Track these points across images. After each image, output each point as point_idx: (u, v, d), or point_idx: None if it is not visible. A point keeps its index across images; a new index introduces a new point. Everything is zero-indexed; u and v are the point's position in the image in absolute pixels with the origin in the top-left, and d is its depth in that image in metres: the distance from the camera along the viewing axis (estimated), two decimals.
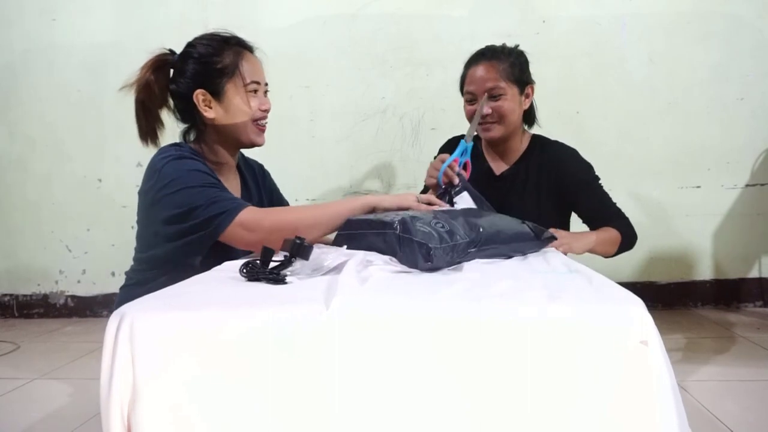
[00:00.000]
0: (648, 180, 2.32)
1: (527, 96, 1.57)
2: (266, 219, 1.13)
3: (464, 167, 1.44)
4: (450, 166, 1.37)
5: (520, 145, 1.61)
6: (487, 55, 1.54)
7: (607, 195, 1.58)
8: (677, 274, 2.35)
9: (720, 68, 2.27)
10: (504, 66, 1.51)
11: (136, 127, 1.31)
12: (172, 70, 1.30)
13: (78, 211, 2.53)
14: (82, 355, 1.97)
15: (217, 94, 1.26)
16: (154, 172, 1.21)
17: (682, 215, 2.32)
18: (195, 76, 1.26)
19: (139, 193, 1.27)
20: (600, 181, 1.59)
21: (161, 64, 1.29)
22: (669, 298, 2.34)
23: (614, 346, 0.63)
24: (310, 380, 0.65)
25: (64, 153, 2.52)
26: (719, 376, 1.56)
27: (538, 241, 1.07)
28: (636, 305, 0.65)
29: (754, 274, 2.33)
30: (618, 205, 1.60)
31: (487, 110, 1.52)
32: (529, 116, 1.63)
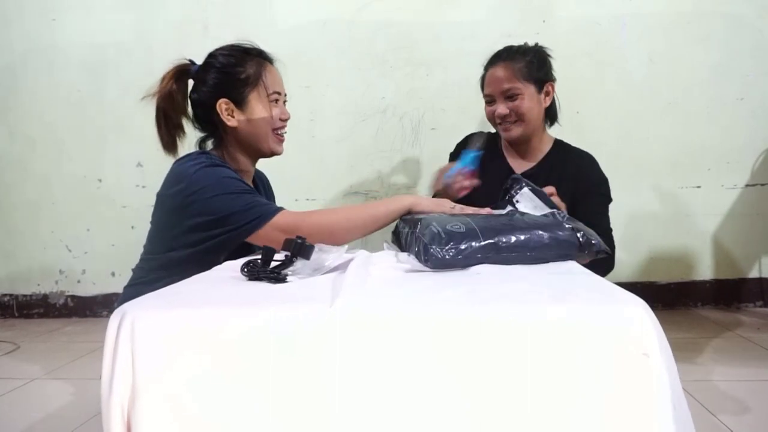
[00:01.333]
0: (648, 180, 2.32)
1: (547, 93, 1.56)
2: (304, 222, 1.16)
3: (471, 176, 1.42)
4: (459, 175, 1.36)
5: (542, 145, 1.60)
6: (503, 56, 1.54)
7: (606, 216, 1.55)
8: (677, 274, 2.35)
9: (720, 68, 2.27)
10: (520, 65, 1.51)
11: (158, 136, 1.32)
12: (191, 80, 1.32)
13: (78, 211, 2.53)
14: (82, 355, 1.97)
15: (239, 103, 1.29)
16: (183, 176, 1.20)
17: (682, 215, 2.32)
18: (218, 85, 1.28)
19: (160, 195, 1.26)
20: (608, 202, 1.56)
21: (182, 73, 1.31)
22: (669, 298, 2.34)
23: (615, 347, 0.63)
24: (311, 380, 0.65)
25: (64, 153, 2.52)
26: (719, 376, 1.56)
27: (581, 253, 0.97)
28: (637, 306, 0.65)
29: (754, 274, 2.33)
30: (613, 229, 1.55)
31: (504, 110, 1.51)
32: (551, 114, 1.61)
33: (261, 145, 1.33)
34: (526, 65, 1.51)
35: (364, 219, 1.19)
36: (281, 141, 1.36)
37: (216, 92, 1.28)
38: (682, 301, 2.35)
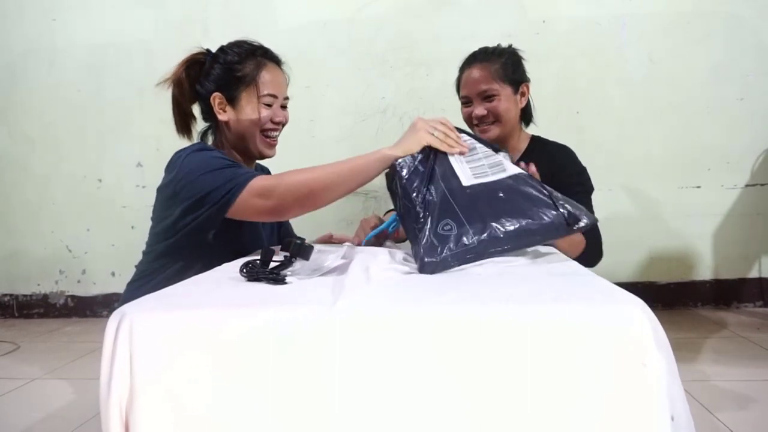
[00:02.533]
0: (648, 180, 2.32)
1: (522, 94, 1.57)
2: (281, 184, 1.12)
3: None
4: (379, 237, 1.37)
5: (519, 144, 1.61)
6: (479, 57, 1.55)
7: (588, 206, 1.51)
8: (677, 274, 2.35)
9: (720, 68, 2.27)
10: (496, 67, 1.51)
11: (173, 119, 1.35)
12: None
13: (78, 211, 2.53)
14: (82, 355, 1.97)
15: (231, 100, 1.30)
16: (174, 165, 1.23)
17: (682, 215, 2.32)
18: (216, 79, 1.31)
19: (158, 189, 1.28)
20: (590, 192, 1.55)
21: (194, 62, 1.33)
22: (669, 298, 2.34)
23: (615, 348, 0.63)
24: (311, 381, 0.65)
25: (64, 153, 2.52)
26: (719, 376, 1.56)
27: (570, 229, 0.99)
28: (637, 307, 0.65)
29: (754, 274, 2.33)
30: (599, 220, 1.52)
31: (482, 111, 1.52)
32: (526, 114, 1.62)
33: (248, 144, 1.33)
34: (502, 66, 1.52)
35: (342, 174, 1.12)
36: (271, 145, 1.36)
37: (214, 86, 1.30)
38: (681, 301, 2.34)
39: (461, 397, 0.64)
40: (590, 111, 2.32)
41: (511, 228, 0.95)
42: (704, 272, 2.34)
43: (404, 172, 1.07)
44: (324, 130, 2.40)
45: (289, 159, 2.31)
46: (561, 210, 0.98)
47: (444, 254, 0.92)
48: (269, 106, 1.32)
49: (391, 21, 2.35)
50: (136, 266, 1.36)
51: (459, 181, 1.04)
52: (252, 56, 1.31)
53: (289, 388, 0.65)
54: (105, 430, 0.64)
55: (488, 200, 1.00)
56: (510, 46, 1.59)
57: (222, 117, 1.31)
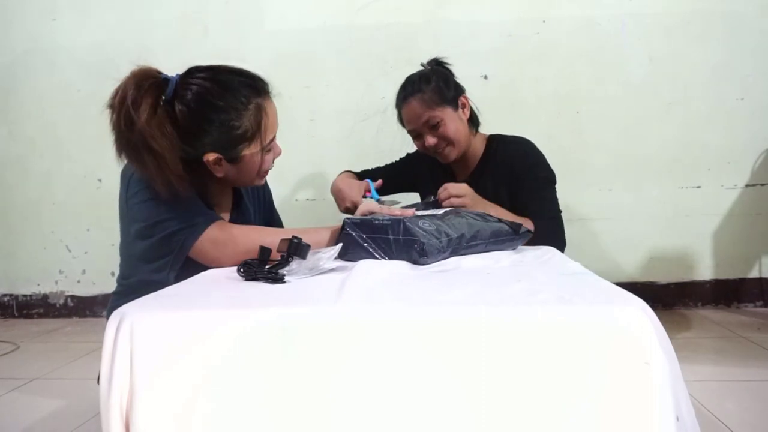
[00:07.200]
0: (648, 180, 2.32)
1: (464, 106, 1.56)
2: (239, 237, 1.05)
3: None
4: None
5: (476, 149, 1.61)
6: (409, 90, 1.53)
7: (547, 197, 1.54)
8: (677, 274, 2.35)
9: (720, 68, 2.27)
10: (429, 94, 1.50)
11: (126, 156, 1.09)
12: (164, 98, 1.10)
13: (78, 211, 2.53)
14: (82, 355, 1.97)
15: (232, 159, 1.12)
16: (125, 179, 1.14)
17: (682, 215, 2.32)
18: (211, 143, 1.09)
19: (119, 197, 1.18)
20: (547, 184, 1.55)
21: (154, 85, 1.11)
22: (669, 298, 2.34)
23: (615, 349, 0.63)
24: (312, 380, 0.65)
25: (64, 153, 2.52)
26: (719, 376, 1.56)
27: (517, 236, 1.14)
28: (637, 307, 0.65)
29: (754, 274, 2.33)
30: (561, 211, 1.55)
31: (433, 141, 1.53)
32: (474, 120, 1.61)
33: (242, 184, 1.22)
34: (434, 91, 1.50)
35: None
36: (264, 177, 1.23)
37: (206, 146, 1.09)
38: (682, 301, 2.34)
39: (462, 397, 0.64)
40: (590, 111, 2.32)
41: (474, 228, 1.08)
42: (704, 272, 2.34)
43: (356, 219, 1.08)
44: (324, 130, 2.40)
45: (289, 159, 2.32)
46: (502, 223, 1.14)
47: (437, 242, 0.98)
48: (270, 151, 1.17)
49: (391, 21, 2.35)
50: (117, 280, 1.28)
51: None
52: (249, 102, 1.09)
53: (290, 388, 0.65)
54: (105, 430, 0.64)
55: (446, 214, 1.15)
56: (434, 61, 1.60)
57: (218, 173, 1.13)
